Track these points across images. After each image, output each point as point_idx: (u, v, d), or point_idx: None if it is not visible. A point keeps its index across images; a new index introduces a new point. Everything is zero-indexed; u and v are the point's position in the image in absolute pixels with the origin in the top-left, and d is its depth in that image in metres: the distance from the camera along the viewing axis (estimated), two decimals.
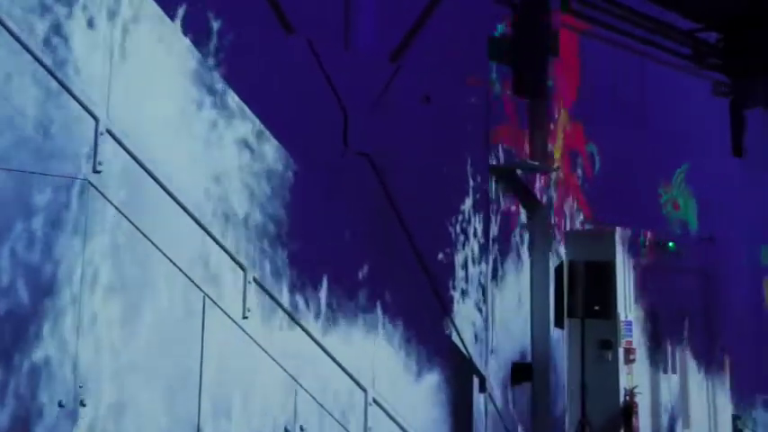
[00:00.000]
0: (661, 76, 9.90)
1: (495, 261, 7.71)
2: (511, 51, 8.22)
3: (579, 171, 8.67)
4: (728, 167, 10.84)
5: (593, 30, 9.13)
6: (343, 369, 5.51)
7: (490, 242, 7.58)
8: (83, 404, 4.34)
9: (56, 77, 4.31)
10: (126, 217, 4.56)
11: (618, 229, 8.25)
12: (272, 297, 5.20)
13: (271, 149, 5.42)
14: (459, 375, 6.52)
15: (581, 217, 8.00)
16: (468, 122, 7.53)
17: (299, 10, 6.14)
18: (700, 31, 10.33)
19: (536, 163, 8.01)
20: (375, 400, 5.70)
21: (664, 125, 9.85)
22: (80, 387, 4.34)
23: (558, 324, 8.01)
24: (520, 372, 7.75)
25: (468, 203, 7.40)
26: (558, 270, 8.12)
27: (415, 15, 7.27)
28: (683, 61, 10.33)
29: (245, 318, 5.03)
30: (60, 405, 4.25)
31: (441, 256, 7.00)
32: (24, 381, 4.12)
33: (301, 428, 5.26)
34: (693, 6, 9.95)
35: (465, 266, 7.31)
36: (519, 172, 7.99)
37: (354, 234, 5.92)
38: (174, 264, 4.71)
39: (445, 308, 6.96)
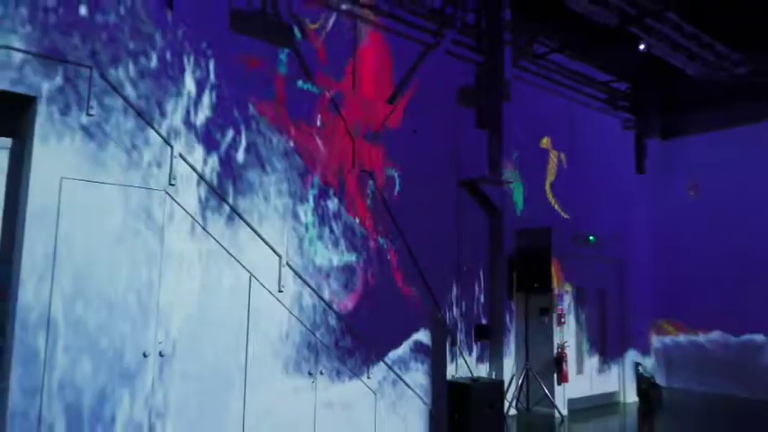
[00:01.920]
0: (584, 115, 10.11)
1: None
2: (476, 97, 8.42)
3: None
4: (633, 182, 11.07)
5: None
6: (354, 331, 5.59)
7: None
8: (161, 354, 4.48)
9: (150, 124, 4.56)
10: (193, 217, 4.73)
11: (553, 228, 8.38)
12: (301, 278, 5.34)
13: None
14: (437, 334, 6.61)
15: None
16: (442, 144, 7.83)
17: (319, 67, 6.65)
18: (613, 82, 10.61)
19: (492, 179, 8.20)
20: (381, 359, 5.72)
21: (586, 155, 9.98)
22: (159, 343, 4.47)
23: (510, 296, 8.18)
24: (481, 331, 7.92)
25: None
26: (511, 256, 8.26)
27: (405, 70, 7.57)
28: (600, 103, 10.60)
29: (280, 291, 5.19)
30: (144, 355, 4.39)
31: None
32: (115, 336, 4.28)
33: (321, 372, 5.36)
34: (609, 62, 10.21)
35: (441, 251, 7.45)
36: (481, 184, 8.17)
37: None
38: (227, 251, 4.88)
39: (427, 284, 7.12)
